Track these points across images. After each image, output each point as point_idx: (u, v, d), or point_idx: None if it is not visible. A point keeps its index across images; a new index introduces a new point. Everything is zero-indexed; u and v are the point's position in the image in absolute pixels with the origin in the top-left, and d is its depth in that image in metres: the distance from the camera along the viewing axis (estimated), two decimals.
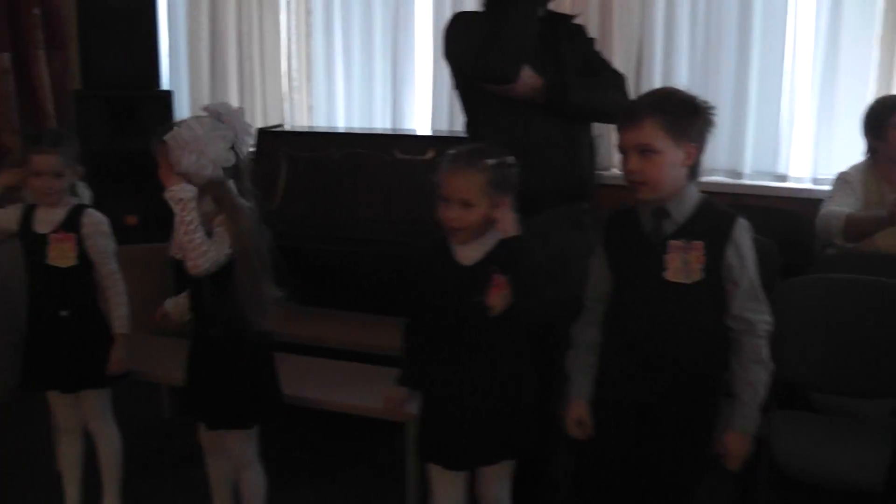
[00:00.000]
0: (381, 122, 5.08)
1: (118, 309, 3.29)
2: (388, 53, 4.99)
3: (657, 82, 4.45)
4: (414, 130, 4.96)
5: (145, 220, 4.88)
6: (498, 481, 2.86)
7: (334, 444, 4.15)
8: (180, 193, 2.80)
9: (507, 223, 2.61)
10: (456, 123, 4.79)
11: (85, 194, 3.39)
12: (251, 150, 5.02)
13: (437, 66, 4.83)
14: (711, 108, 2.48)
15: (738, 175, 4.49)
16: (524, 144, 2.78)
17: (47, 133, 3.28)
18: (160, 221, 4.73)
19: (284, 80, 5.28)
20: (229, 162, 2.87)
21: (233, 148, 2.88)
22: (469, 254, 2.68)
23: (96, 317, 3.33)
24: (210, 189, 2.86)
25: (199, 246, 2.80)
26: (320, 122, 5.20)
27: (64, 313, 3.26)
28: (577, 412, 2.70)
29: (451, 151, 2.69)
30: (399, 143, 4.44)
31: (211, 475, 3.32)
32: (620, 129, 2.50)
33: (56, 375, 3.32)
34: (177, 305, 3.19)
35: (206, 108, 2.93)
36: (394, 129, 4.96)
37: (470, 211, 2.61)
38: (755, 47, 4.37)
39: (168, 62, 5.35)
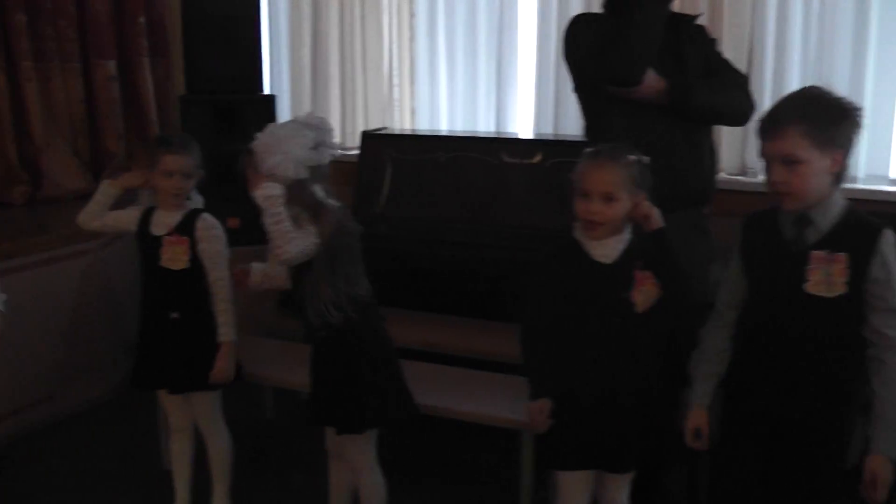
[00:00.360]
0: (484, 126, 5.03)
1: (223, 316, 3.29)
2: (493, 55, 4.94)
3: (768, 84, 4.33)
4: (516, 134, 4.90)
5: (247, 223, 4.89)
6: (623, 488, 2.82)
7: (445, 450, 4.12)
8: (267, 191, 2.82)
9: (655, 217, 2.60)
10: (561, 127, 4.73)
11: (197, 199, 3.41)
12: (348, 153, 5.07)
13: (542, 69, 4.77)
14: (859, 109, 2.37)
15: (852, 179, 4.35)
16: (646, 147, 2.72)
17: (177, 136, 3.35)
18: (262, 224, 4.81)
19: (386, 84, 5.27)
20: (312, 162, 2.88)
21: (316, 149, 2.90)
22: (606, 251, 2.64)
23: (207, 320, 3.32)
24: (294, 189, 2.87)
25: (287, 233, 2.82)
26: (422, 126, 5.17)
27: (175, 315, 3.27)
28: (696, 421, 2.63)
29: (590, 149, 2.67)
30: (505, 147, 4.39)
31: (331, 480, 3.31)
32: (762, 138, 2.41)
33: (167, 376, 3.34)
34: (261, 272, 3.21)
35: (296, 118, 3.01)
36: (497, 133, 4.90)
37: (611, 205, 2.58)
38: (871, 47, 4.22)
39: (270, 67, 5.39)
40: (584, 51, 3.05)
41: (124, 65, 5.55)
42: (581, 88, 3.21)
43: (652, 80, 2.98)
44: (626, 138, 2.90)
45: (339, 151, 3.02)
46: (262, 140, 2.88)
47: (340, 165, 5.24)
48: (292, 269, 3.02)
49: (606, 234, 2.63)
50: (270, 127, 2.92)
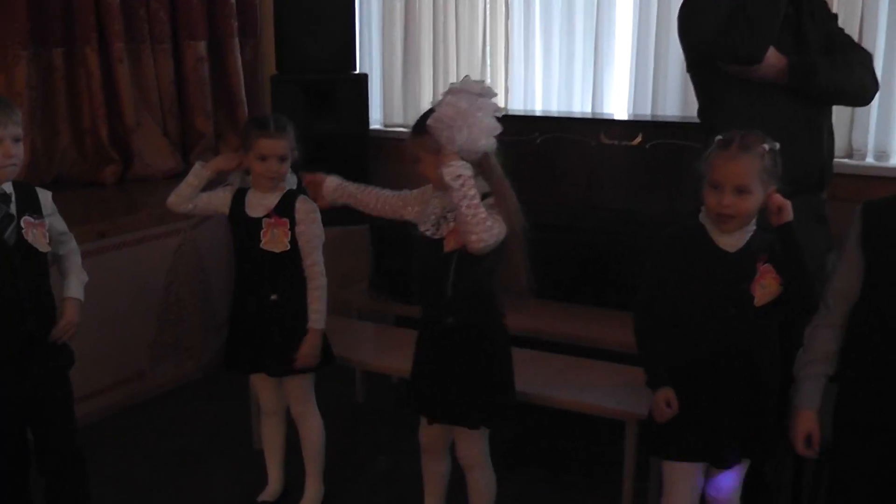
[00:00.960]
0: (579, 106, 4.89)
1: (316, 303, 3.22)
2: (590, 33, 4.78)
3: (879, 60, 4.13)
4: (613, 115, 4.77)
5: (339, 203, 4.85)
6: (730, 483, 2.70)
7: (545, 438, 4.02)
8: (460, 170, 2.65)
9: (787, 210, 2.46)
10: (659, 107, 4.58)
11: (292, 180, 3.33)
12: None
13: (640, 47, 4.62)
14: None
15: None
16: (765, 129, 2.58)
17: (274, 118, 3.23)
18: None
19: (479, 63, 5.15)
20: (497, 130, 2.73)
21: (495, 117, 2.75)
22: (732, 240, 2.53)
23: (304, 303, 3.27)
24: (483, 163, 2.74)
25: (485, 220, 2.65)
26: (516, 106, 5.05)
27: (273, 297, 3.21)
28: (806, 426, 2.51)
29: (720, 137, 2.52)
30: (604, 128, 4.26)
31: (426, 475, 3.20)
32: None
33: (263, 360, 3.29)
34: (337, 184, 3.16)
35: (454, 85, 2.77)
36: (593, 113, 4.77)
37: (745, 198, 2.46)
38: None
39: (360, 45, 5.32)
40: (704, 27, 2.92)
41: (214, 45, 5.53)
42: (697, 68, 3.07)
43: (773, 58, 2.84)
44: (743, 120, 2.77)
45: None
46: (441, 115, 2.67)
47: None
48: (422, 251, 2.90)
49: (740, 225, 2.52)
50: (446, 100, 2.70)
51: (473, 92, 2.71)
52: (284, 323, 3.23)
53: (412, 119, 5.36)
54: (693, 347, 2.56)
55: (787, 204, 2.47)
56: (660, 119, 4.43)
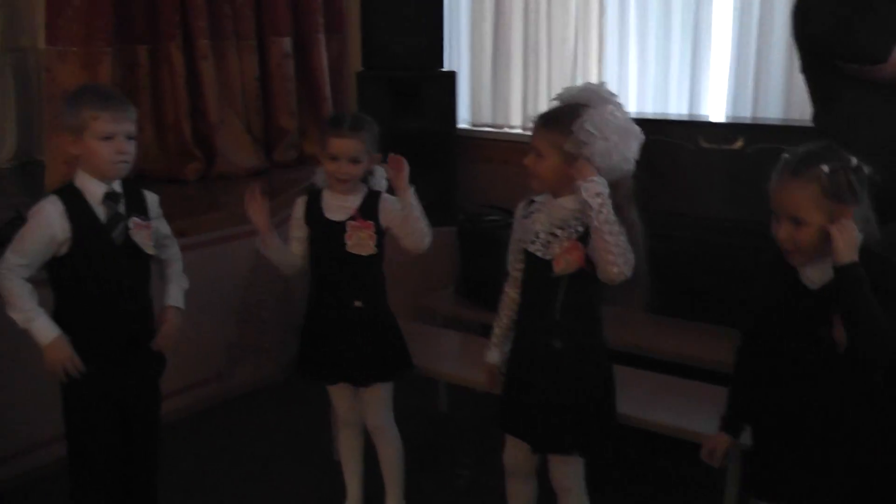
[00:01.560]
0: (676, 108, 4.69)
1: None
2: (688, 33, 4.57)
3: None
4: (707, 117, 4.55)
5: (430, 203, 4.70)
6: None
7: (640, 458, 3.79)
8: (600, 187, 2.45)
9: (842, 244, 2.08)
10: (760, 109, 4.36)
11: (381, 181, 3.18)
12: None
13: (741, 47, 4.40)
14: None
15: None
16: (886, 134, 2.37)
17: (352, 117, 3.08)
18: (440, 205, 4.60)
19: (571, 62, 4.96)
20: (637, 156, 2.55)
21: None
22: (814, 275, 2.22)
23: (387, 308, 3.15)
24: (621, 186, 2.54)
25: (626, 251, 2.47)
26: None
27: (358, 304, 3.07)
28: None
29: (785, 155, 2.22)
30: (703, 131, 4.05)
31: (511, 497, 3.00)
32: None
33: (344, 368, 3.15)
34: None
35: (588, 88, 2.61)
36: (691, 116, 4.56)
37: (800, 230, 2.16)
38: None
39: (448, 42, 5.18)
40: (823, 24, 2.71)
41: (299, 41, 5.46)
42: (813, 68, 2.87)
43: None
44: (862, 124, 2.57)
45: None
46: (599, 123, 2.46)
47: (521, 148, 5.02)
48: (528, 269, 2.72)
49: (805, 259, 2.20)
50: (606, 109, 2.49)
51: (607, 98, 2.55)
52: (369, 330, 3.10)
53: (500, 118, 5.30)
54: (775, 395, 2.32)
55: (848, 234, 2.08)
56: (762, 122, 4.22)
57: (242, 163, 5.19)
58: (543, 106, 4.91)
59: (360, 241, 3.02)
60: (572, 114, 2.52)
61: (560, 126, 2.54)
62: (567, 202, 2.57)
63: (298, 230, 3.14)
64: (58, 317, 2.70)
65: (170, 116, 5.05)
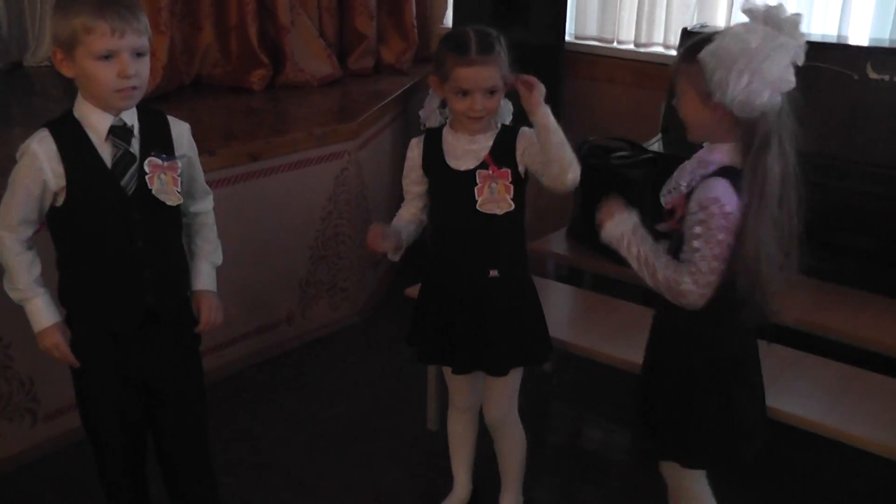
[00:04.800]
0: (822, 28, 4.04)
1: None
2: None
3: None
4: (885, 41, 3.86)
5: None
6: None
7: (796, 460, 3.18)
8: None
9: None
10: None
11: (506, 110, 2.59)
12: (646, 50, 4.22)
13: None
14: None
15: None
16: None
17: (477, 35, 2.37)
18: None
19: None
20: (790, 85, 1.97)
21: (794, 66, 1.98)
22: None
23: (528, 278, 2.58)
24: (756, 127, 2.00)
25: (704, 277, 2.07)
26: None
27: (494, 273, 2.47)
28: None
29: None
30: (872, 57, 3.38)
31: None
32: None
33: (477, 354, 2.55)
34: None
35: (748, 10, 2.02)
36: (839, 38, 3.92)
37: None
38: None
39: None
40: None
41: None
42: None
43: None
44: None
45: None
46: (720, 49, 1.96)
47: (630, 67, 4.46)
48: None
49: None
50: (733, 30, 1.99)
51: (774, 23, 1.96)
52: (507, 305, 2.51)
53: (608, 33, 4.66)
54: None
55: None
56: None
57: (314, 70, 4.61)
58: (661, 19, 4.31)
59: (493, 196, 2.41)
60: (701, 41, 2.01)
61: (689, 56, 2.04)
62: None
63: (416, 184, 2.55)
64: (61, 279, 2.17)
65: (233, 16, 4.47)
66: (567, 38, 4.55)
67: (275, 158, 3.65)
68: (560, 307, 3.33)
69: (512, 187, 2.42)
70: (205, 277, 2.33)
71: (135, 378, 2.24)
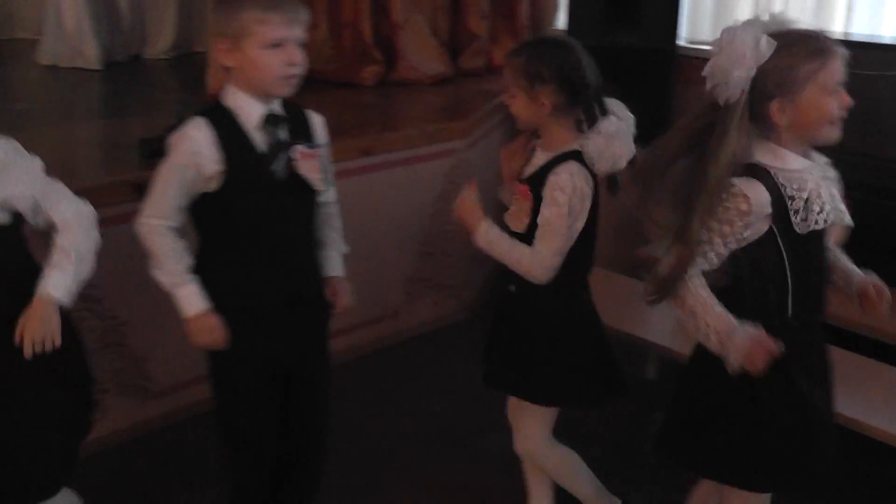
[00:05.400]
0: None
1: None
2: None
3: None
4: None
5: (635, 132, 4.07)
6: None
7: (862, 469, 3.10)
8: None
9: None
10: None
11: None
12: None
13: None
14: None
15: None
16: None
17: (548, 40, 2.48)
18: (645, 135, 3.96)
19: None
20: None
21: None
22: None
23: (554, 310, 2.42)
24: None
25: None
26: (859, 29, 4.12)
27: (511, 288, 2.43)
28: None
29: None
30: None
31: None
32: None
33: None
34: None
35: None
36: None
37: None
38: None
39: None
40: None
41: None
42: None
43: None
44: None
45: None
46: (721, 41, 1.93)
47: None
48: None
49: None
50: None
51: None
52: (518, 325, 2.45)
53: None
54: None
55: None
56: None
57: (426, 68, 4.66)
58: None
59: (516, 212, 2.38)
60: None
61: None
62: None
63: None
64: (201, 264, 2.22)
65: (348, 13, 4.54)
66: (679, 41, 4.50)
67: (386, 154, 3.69)
68: (662, 314, 3.29)
69: (530, 216, 2.33)
70: (336, 263, 2.41)
71: (277, 363, 2.32)
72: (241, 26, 2.11)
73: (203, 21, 5.31)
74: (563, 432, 2.60)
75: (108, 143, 3.78)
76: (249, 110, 2.17)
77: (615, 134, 2.25)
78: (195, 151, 2.13)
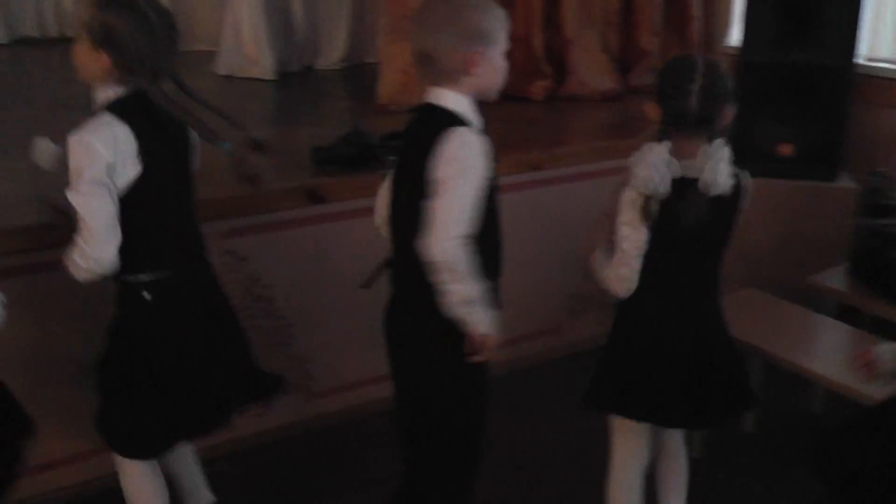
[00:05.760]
0: None
1: None
2: None
3: None
4: None
5: (801, 152, 3.91)
6: None
7: None
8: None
9: None
10: None
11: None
12: None
13: None
14: None
15: None
16: None
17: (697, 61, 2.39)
18: (825, 157, 3.83)
19: None
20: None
21: None
22: None
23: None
24: None
25: None
26: None
27: None
28: None
29: None
30: None
31: None
32: None
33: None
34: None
35: None
36: None
37: None
38: None
39: None
40: None
41: None
42: None
43: None
44: None
45: None
46: None
47: None
48: None
49: None
50: None
51: None
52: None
53: None
54: None
55: None
56: None
57: (596, 84, 4.61)
58: None
59: None
60: None
61: None
62: None
63: None
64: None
65: (520, 27, 4.50)
66: (857, 59, 4.30)
67: (554, 169, 3.67)
68: (832, 345, 3.17)
69: None
70: None
71: None
72: (495, 33, 2.18)
73: (373, 34, 5.39)
74: None
75: (282, 151, 3.87)
76: (472, 116, 2.20)
77: None
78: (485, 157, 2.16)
